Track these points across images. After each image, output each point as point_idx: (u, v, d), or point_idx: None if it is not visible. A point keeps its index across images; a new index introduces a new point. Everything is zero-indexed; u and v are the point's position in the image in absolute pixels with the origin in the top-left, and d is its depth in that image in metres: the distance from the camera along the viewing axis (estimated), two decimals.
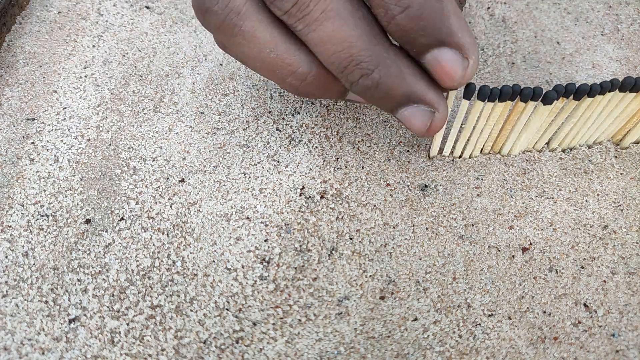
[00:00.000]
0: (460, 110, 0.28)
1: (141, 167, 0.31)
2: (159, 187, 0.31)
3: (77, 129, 0.33)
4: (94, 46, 0.37)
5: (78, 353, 0.25)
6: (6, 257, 0.28)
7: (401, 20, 0.22)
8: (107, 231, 0.29)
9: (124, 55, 0.37)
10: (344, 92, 0.26)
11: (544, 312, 0.27)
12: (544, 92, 0.27)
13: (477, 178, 0.31)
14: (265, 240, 0.29)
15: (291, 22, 0.23)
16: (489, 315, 0.27)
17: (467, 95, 0.27)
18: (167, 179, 0.31)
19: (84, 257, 0.28)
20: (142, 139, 0.33)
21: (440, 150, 0.32)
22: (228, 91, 0.35)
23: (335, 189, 0.31)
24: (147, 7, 0.39)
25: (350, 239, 0.29)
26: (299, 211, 0.30)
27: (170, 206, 0.30)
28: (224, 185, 0.31)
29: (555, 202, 0.30)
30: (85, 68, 0.36)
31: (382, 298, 0.27)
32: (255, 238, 0.29)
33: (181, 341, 0.26)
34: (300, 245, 0.29)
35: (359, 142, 0.32)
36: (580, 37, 0.38)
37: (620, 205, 0.30)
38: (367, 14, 0.22)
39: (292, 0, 0.22)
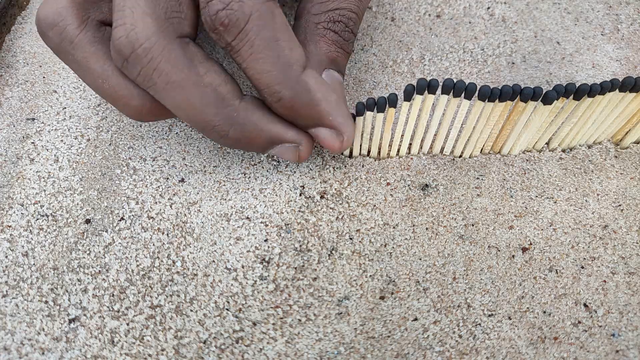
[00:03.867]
0: (461, 110, 0.28)
1: (141, 167, 0.31)
2: (159, 187, 0.31)
3: (77, 129, 0.33)
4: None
5: (78, 353, 0.25)
6: (6, 257, 0.28)
7: (278, 108, 0.25)
8: (107, 231, 0.29)
9: None
10: None
11: (544, 312, 0.27)
12: (544, 92, 0.27)
13: (477, 178, 0.31)
14: (265, 240, 0.29)
15: (143, 87, 0.24)
16: (489, 315, 0.27)
17: (458, 93, 0.27)
18: (167, 179, 0.31)
19: (84, 257, 0.28)
20: (142, 139, 0.33)
21: (441, 149, 0.32)
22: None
23: (335, 188, 0.31)
24: None
25: (350, 239, 0.29)
26: (299, 211, 0.30)
27: (170, 206, 0.30)
28: (224, 185, 0.31)
29: (555, 202, 0.30)
30: None
31: (382, 298, 0.27)
32: (255, 238, 0.29)
33: (181, 341, 0.26)
34: (300, 245, 0.29)
35: None
36: (580, 37, 0.38)
37: (620, 205, 0.30)
38: (212, 80, 0.24)
39: (136, 70, 0.23)
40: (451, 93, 0.27)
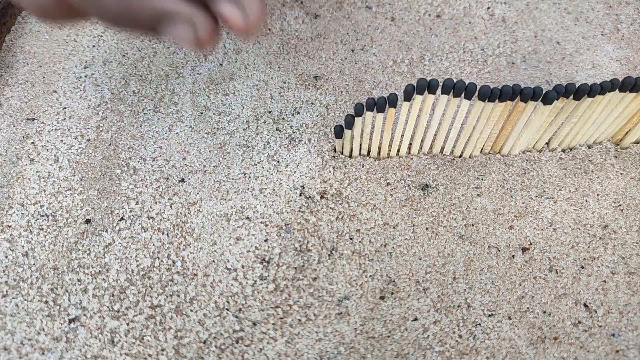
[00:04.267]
0: (461, 110, 0.28)
1: (141, 167, 0.31)
2: (159, 187, 0.31)
3: (77, 129, 0.33)
4: (94, 46, 0.37)
5: (78, 353, 0.25)
6: (6, 257, 0.28)
7: None
8: (107, 231, 0.29)
9: (124, 55, 0.37)
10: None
11: (544, 312, 0.27)
12: (544, 92, 0.27)
13: (477, 178, 0.31)
14: (265, 240, 0.29)
15: None
16: (489, 315, 0.27)
17: (458, 93, 0.27)
18: (167, 179, 0.31)
19: (84, 257, 0.28)
20: (142, 139, 0.33)
21: (441, 149, 0.32)
22: (228, 91, 0.35)
23: (335, 188, 0.31)
24: None
25: (350, 239, 0.29)
26: (299, 211, 0.30)
27: (170, 206, 0.30)
28: (224, 185, 0.31)
29: (555, 202, 0.30)
30: (85, 68, 0.36)
31: (382, 298, 0.27)
32: (255, 238, 0.29)
33: (181, 341, 0.26)
34: (300, 245, 0.29)
35: None
36: (580, 37, 0.38)
37: (620, 205, 0.30)
38: None
39: None
40: (451, 93, 0.27)
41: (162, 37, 0.23)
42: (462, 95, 0.27)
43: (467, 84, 0.26)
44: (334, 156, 0.32)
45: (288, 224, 0.29)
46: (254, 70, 0.36)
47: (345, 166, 0.31)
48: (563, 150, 0.32)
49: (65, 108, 0.34)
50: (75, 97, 0.35)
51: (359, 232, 0.29)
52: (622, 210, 0.30)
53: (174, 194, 0.30)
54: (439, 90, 0.28)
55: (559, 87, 0.27)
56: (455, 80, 0.26)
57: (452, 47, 0.37)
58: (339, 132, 0.29)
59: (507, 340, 0.26)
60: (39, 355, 0.25)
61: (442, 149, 0.32)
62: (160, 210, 0.30)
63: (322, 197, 0.30)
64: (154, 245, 0.29)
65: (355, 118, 0.28)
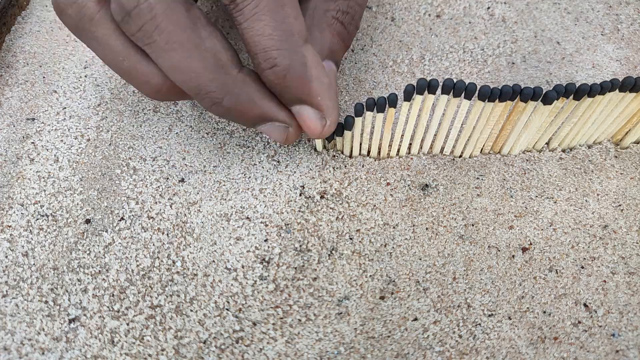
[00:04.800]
0: (461, 110, 0.28)
1: (141, 167, 0.31)
2: (159, 187, 0.31)
3: (77, 129, 0.33)
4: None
5: (78, 353, 0.25)
6: (6, 257, 0.28)
7: (268, 75, 0.24)
8: (107, 231, 0.29)
9: None
10: None
11: (544, 312, 0.27)
12: (544, 92, 0.27)
13: (477, 178, 0.31)
14: (265, 240, 0.29)
15: (139, 44, 0.24)
16: (489, 315, 0.27)
17: (458, 93, 0.27)
18: (167, 179, 0.31)
19: (84, 257, 0.28)
20: (142, 139, 0.33)
21: (441, 149, 0.32)
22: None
23: (335, 188, 0.31)
24: None
25: (350, 239, 0.29)
26: (299, 211, 0.30)
27: (170, 206, 0.30)
28: (224, 185, 0.31)
29: (555, 202, 0.30)
30: (85, 68, 0.36)
31: (382, 298, 0.27)
32: (255, 238, 0.29)
33: (181, 341, 0.26)
34: (300, 245, 0.29)
35: None
36: (580, 37, 0.38)
37: (620, 205, 0.30)
38: (213, 46, 0.23)
39: (137, 25, 0.22)
40: (451, 93, 0.27)
41: (255, 129, 0.28)
42: (462, 95, 0.27)
43: (467, 84, 0.26)
44: (334, 156, 0.32)
45: (288, 224, 0.29)
46: None
47: (345, 166, 0.31)
48: (563, 150, 0.32)
49: (65, 108, 0.34)
50: (75, 97, 0.35)
51: (359, 232, 0.29)
52: (622, 210, 0.30)
53: (174, 194, 0.30)
54: (439, 91, 0.28)
55: (559, 87, 0.27)
56: (455, 80, 0.26)
57: (452, 47, 0.37)
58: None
59: (507, 340, 0.26)
60: (39, 355, 0.25)
61: (442, 149, 0.32)
62: (160, 210, 0.30)
63: (322, 197, 0.30)
64: (154, 245, 0.29)
65: (355, 118, 0.28)
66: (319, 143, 0.31)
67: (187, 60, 0.23)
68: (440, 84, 0.27)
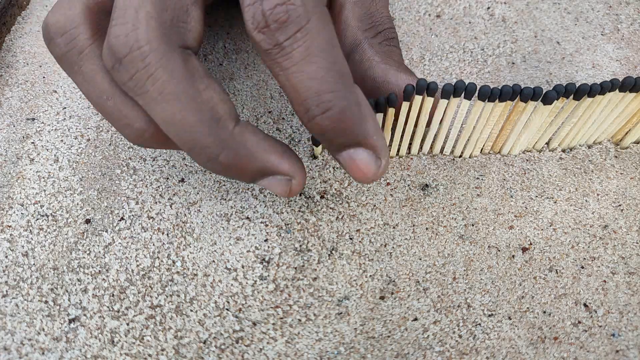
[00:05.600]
0: (461, 110, 0.28)
1: (141, 167, 0.31)
2: (159, 187, 0.31)
3: (77, 129, 0.33)
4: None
5: (78, 353, 0.25)
6: (6, 257, 0.28)
7: (321, 121, 0.22)
8: (107, 231, 0.29)
9: None
10: None
11: (544, 312, 0.27)
12: (544, 92, 0.27)
13: (477, 178, 0.31)
14: (265, 240, 0.29)
15: (131, 94, 0.22)
16: (489, 315, 0.27)
17: (458, 94, 0.27)
18: (167, 179, 0.31)
19: (84, 257, 0.28)
20: None
21: (441, 149, 0.32)
22: (228, 91, 0.35)
23: (335, 188, 0.31)
24: None
25: (350, 239, 0.29)
26: (299, 211, 0.30)
27: (170, 206, 0.30)
28: (224, 185, 0.31)
29: (555, 202, 0.30)
30: None
31: (382, 298, 0.27)
32: (255, 238, 0.29)
33: (181, 341, 0.26)
34: (300, 245, 0.29)
35: None
36: (580, 37, 0.38)
37: (620, 205, 0.30)
38: (210, 98, 0.22)
39: (129, 74, 0.21)
40: (451, 96, 0.27)
41: (256, 185, 0.26)
42: (462, 95, 0.27)
43: (466, 84, 0.26)
44: None
45: (288, 224, 0.29)
46: (254, 70, 0.36)
47: None
48: (563, 150, 0.32)
49: (65, 108, 0.34)
50: (75, 97, 0.35)
51: (359, 232, 0.29)
52: (622, 210, 0.30)
53: (174, 194, 0.30)
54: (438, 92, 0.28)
55: (559, 87, 0.27)
56: (454, 84, 0.26)
57: (452, 47, 0.37)
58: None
59: (507, 340, 0.26)
60: (39, 355, 0.25)
61: (442, 149, 0.32)
62: (160, 210, 0.30)
63: (322, 197, 0.30)
64: (154, 245, 0.29)
65: None
66: (317, 150, 0.31)
67: (181, 112, 0.21)
68: (440, 87, 0.27)
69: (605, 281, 0.28)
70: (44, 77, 0.36)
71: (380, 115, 0.28)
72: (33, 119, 0.33)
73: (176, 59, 0.21)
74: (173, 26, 0.22)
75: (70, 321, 0.26)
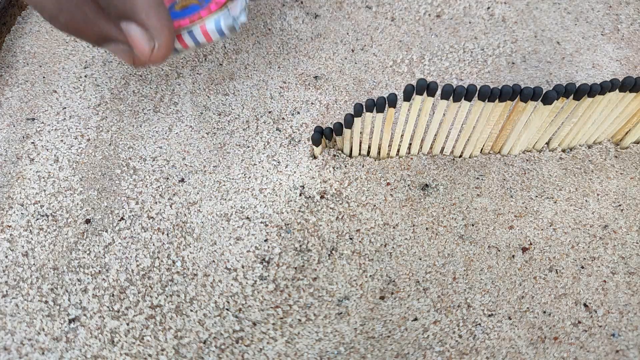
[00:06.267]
0: (461, 111, 0.28)
1: (141, 167, 0.31)
2: (159, 187, 0.31)
3: (77, 129, 0.33)
4: (94, 46, 0.37)
5: (78, 353, 0.25)
6: (6, 257, 0.28)
7: None
8: (107, 231, 0.29)
9: None
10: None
11: (544, 312, 0.27)
12: (544, 92, 0.27)
13: (477, 178, 0.31)
14: (265, 240, 0.29)
15: None
16: (489, 315, 0.27)
17: (458, 98, 0.27)
18: (167, 179, 0.31)
19: (84, 257, 0.28)
20: (142, 139, 0.33)
21: (442, 149, 0.32)
22: (228, 91, 0.35)
23: (335, 188, 0.31)
24: None
25: (350, 239, 0.29)
26: (299, 211, 0.30)
27: (170, 206, 0.30)
28: (224, 185, 0.31)
29: (555, 202, 0.30)
30: (85, 68, 0.36)
31: (382, 298, 0.27)
32: (255, 238, 0.29)
33: (181, 341, 0.26)
34: (300, 245, 0.29)
35: None
36: (580, 37, 0.38)
37: (620, 205, 0.30)
38: None
39: None
40: (451, 98, 0.27)
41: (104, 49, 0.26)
42: (462, 99, 0.27)
43: (466, 87, 0.26)
44: (334, 156, 0.32)
45: (288, 224, 0.29)
46: (254, 70, 0.36)
47: (345, 166, 0.31)
48: (563, 150, 0.32)
49: (65, 108, 0.34)
50: (75, 97, 0.35)
51: (359, 232, 0.29)
52: (622, 210, 0.30)
53: (174, 194, 0.30)
54: (438, 92, 0.28)
55: (559, 87, 0.27)
56: (454, 85, 0.26)
57: (452, 47, 0.37)
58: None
59: (507, 340, 0.26)
60: (39, 355, 0.25)
61: (442, 149, 0.32)
62: (160, 210, 0.30)
63: (322, 197, 0.30)
64: (154, 245, 0.29)
65: (355, 118, 0.28)
66: (317, 150, 0.31)
67: None
68: (440, 86, 0.27)
69: (605, 281, 0.28)
70: (44, 77, 0.36)
71: (380, 116, 0.28)
72: (33, 119, 0.33)
73: None
74: None
75: (70, 321, 0.26)
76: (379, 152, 0.31)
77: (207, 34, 0.26)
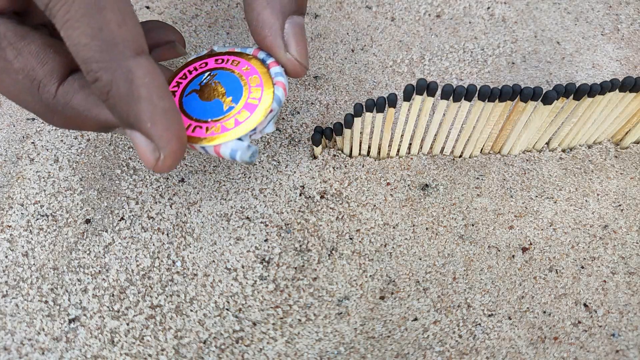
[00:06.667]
0: (461, 111, 0.28)
1: (141, 167, 0.31)
2: (159, 187, 0.31)
3: None
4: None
5: (78, 353, 0.25)
6: (6, 257, 0.28)
7: (95, 90, 0.20)
8: (107, 231, 0.29)
9: None
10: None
11: (544, 312, 0.27)
12: (544, 92, 0.27)
13: (477, 178, 0.31)
14: (265, 240, 0.29)
15: None
16: (489, 315, 0.27)
17: (458, 98, 0.27)
18: (167, 179, 0.31)
19: (84, 257, 0.28)
20: None
21: (441, 149, 0.32)
22: None
23: (335, 188, 0.31)
24: (147, 7, 0.39)
25: (350, 238, 0.29)
26: (299, 211, 0.30)
27: (170, 206, 0.30)
28: (224, 185, 0.31)
29: (555, 202, 0.30)
30: None
31: (382, 298, 0.27)
32: (255, 238, 0.29)
33: (181, 341, 0.26)
34: (300, 245, 0.29)
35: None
36: (580, 37, 0.38)
37: (620, 205, 0.30)
38: (24, 65, 0.21)
39: None
40: (451, 98, 0.27)
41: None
42: (462, 99, 0.27)
43: (466, 87, 0.26)
44: (334, 156, 0.32)
45: (288, 224, 0.29)
46: None
47: (345, 166, 0.31)
48: (563, 150, 0.32)
49: None
50: None
51: (359, 232, 0.29)
52: (622, 210, 0.30)
53: (174, 194, 0.30)
54: (438, 91, 0.28)
55: (559, 87, 0.27)
56: (454, 85, 0.26)
57: (452, 47, 0.37)
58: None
59: (507, 340, 0.26)
60: (39, 355, 0.25)
61: (442, 149, 0.32)
62: (160, 210, 0.30)
63: (322, 197, 0.30)
64: (154, 245, 0.29)
65: (355, 118, 0.28)
66: (317, 150, 0.31)
67: (1, 84, 0.21)
68: (440, 86, 0.27)
69: (605, 281, 0.28)
70: None
71: (380, 116, 0.28)
72: (33, 119, 0.33)
73: None
74: None
75: (70, 321, 0.26)
76: (379, 152, 0.31)
77: (219, 155, 0.23)
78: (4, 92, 0.21)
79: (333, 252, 0.28)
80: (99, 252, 0.28)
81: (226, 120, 0.23)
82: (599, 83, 0.27)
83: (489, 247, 0.29)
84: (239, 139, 0.22)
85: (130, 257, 0.28)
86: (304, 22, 0.25)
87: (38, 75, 0.21)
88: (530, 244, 0.29)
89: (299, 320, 0.27)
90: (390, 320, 0.27)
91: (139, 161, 0.32)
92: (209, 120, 0.23)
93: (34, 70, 0.21)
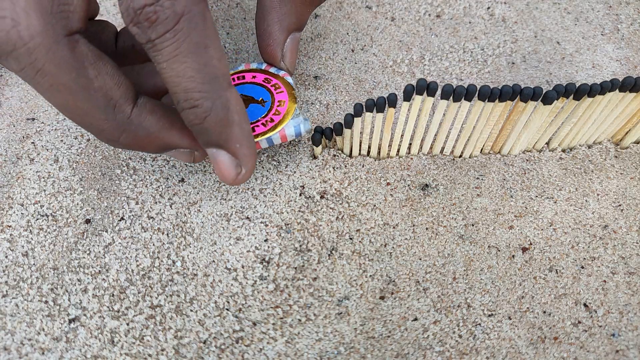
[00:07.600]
0: (461, 111, 0.28)
1: (141, 167, 0.31)
2: (159, 187, 0.31)
3: (77, 129, 0.33)
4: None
5: (78, 353, 0.25)
6: (6, 257, 0.28)
7: (187, 115, 0.22)
8: (107, 231, 0.29)
9: None
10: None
11: (544, 312, 0.27)
12: (544, 92, 0.27)
13: (477, 178, 0.31)
14: (265, 240, 0.29)
15: (25, 81, 0.22)
16: (489, 315, 0.27)
17: (458, 98, 0.27)
18: (167, 179, 0.31)
19: (84, 257, 0.28)
20: None
21: (441, 149, 0.32)
22: None
23: (335, 188, 0.31)
24: None
25: (350, 238, 0.29)
26: (299, 211, 0.30)
27: (170, 206, 0.30)
28: (224, 185, 0.31)
29: (555, 202, 0.30)
30: None
31: (382, 298, 0.27)
32: (255, 238, 0.29)
33: (181, 341, 0.26)
34: (300, 245, 0.29)
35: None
36: (580, 37, 0.38)
37: (620, 205, 0.30)
38: (103, 84, 0.22)
39: (19, 67, 0.21)
40: (451, 98, 0.27)
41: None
42: (462, 99, 0.27)
43: (466, 87, 0.26)
44: (334, 156, 0.32)
45: (288, 224, 0.29)
46: None
47: (345, 166, 0.31)
48: (563, 150, 0.32)
49: None
50: None
51: (359, 232, 0.29)
52: (622, 210, 0.30)
53: (174, 194, 0.30)
54: (438, 91, 0.28)
55: (559, 87, 0.27)
56: (454, 85, 0.26)
57: (452, 47, 0.37)
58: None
59: (507, 340, 0.26)
60: (39, 355, 0.25)
61: (442, 149, 0.32)
62: (160, 210, 0.30)
63: (322, 197, 0.30)
64: (154, 245, 0.29)
65: (355, 118, 0.28)
66: (317, 150, 0.31)
67: (75, 102, 0.22)
68: (440, 86, 0.27)
69: (605, 281, 0.28)
70: None
71: (380, 116, 0.28)
72: (33, 119, 0.33)
73: (63, 49, 0.21)
74: (55, 12, 0.21)
75: (70, 321, 0.26)
76: (379, 152, 0.32)
77: (284, 138, 0.28)
78: (71, 107, 0.22)
79: (333, 252, 0.28)
80: (99, 252, 0.28)
81: (272, 113, 0.28)
82: (599, 83, 0.27)
83: (489, 247, 0.29)
84: (292, 118, 0.27)
85: (130, 257, 0.28)
86: (300, 36, 0.30)
87: (115, 95, 0.22)
88: (530, 244, 0.29)
89: (299, 320, 0.27)
90: (390, 320, 0.27)
91: (139, 161, 0.32)
92: (259, 118, 0.28)
93: (112, 90, 0.22)
